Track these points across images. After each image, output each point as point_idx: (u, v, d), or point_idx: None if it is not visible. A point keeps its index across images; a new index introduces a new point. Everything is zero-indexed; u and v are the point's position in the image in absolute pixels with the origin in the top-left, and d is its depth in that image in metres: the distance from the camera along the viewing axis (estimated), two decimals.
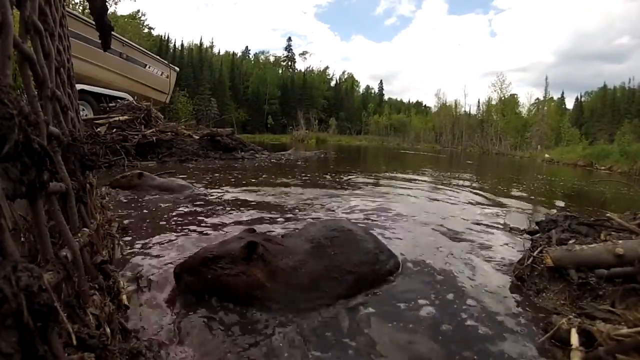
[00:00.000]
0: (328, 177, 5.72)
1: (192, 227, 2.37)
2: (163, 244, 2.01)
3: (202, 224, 2.46)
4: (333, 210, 3.17)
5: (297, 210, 3.07)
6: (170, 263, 1.70)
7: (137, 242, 2.01)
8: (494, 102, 46.74)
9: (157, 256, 1.83)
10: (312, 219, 2.75)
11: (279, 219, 2.75)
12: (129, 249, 1.90)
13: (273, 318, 1.31)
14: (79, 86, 4.14)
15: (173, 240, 2.09)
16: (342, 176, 5.89)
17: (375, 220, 2.83)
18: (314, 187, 4.46)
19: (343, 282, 1.52)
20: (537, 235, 2.40)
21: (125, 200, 3.05)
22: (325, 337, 1.25)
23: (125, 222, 2.33)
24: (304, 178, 5.35)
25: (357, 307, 1.46)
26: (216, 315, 1.31)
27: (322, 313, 1.38)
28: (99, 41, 1.72)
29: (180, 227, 2.34)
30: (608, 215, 2.18)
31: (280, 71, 59.09)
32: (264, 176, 5.29)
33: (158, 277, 1.59)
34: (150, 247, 1.94)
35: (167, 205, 2.98)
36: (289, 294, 1.38)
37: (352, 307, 1.46)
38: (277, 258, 1.44)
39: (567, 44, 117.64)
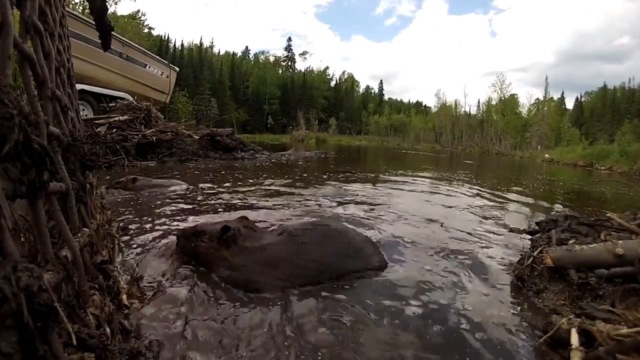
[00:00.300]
0: (328, 176, 5.72)
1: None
2: (160, 239, 2.02)
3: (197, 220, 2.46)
4: (330, 208, 3.17)
5: (292, 209, 3.07)
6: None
7: (135, 241, 2.01)
8: (494, 102, 46.74)
9: (156, 249, 1.84)
10: (307, 213, 2.75)
11: (273, 215, 2.76)
12: (129, 249, 1.90)
13: (227, 286, 1.54)
14: (79, 86, 4.14)
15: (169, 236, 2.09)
16: (341, 175, 5.89)
17: (371, 218, 2.83)
18: (313, 186, 4.45)
19: (305, 269, 1.60)
20: (537, 235, 2.40)
21: (122, 200, 3.05)
22: (257, 309, 1.36)
23: (121, 221, 2.35)
24: (303, 177, 5.35)
25: (315, 294, 1.49)
26: (186, 273, 1.64)
27: (271, 291, 1.49)
28: (99, 41, 1.72)
29: (176, 224, 2.34)
30: (608, 215, 2.18)
31: (280, 71, 59.05)
32: (263, 175, 5.28)
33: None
34: (149, 244, 1.94)
35: (164, 205, 2.98)
36: (248, 268, 1.57)
37: (307, 291, 1.51)
38: (246, 241, 1.69)
39: (568, 44, 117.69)
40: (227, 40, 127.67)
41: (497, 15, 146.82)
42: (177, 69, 12.89)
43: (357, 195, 4.02)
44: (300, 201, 3.47)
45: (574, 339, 1.16)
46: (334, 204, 3.43)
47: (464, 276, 1.81)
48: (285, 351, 1.13)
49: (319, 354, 1.13)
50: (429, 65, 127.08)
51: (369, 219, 2.83)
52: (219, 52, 55.55)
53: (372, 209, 3.24)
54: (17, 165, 0.46)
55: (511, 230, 2.81)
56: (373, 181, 5.58)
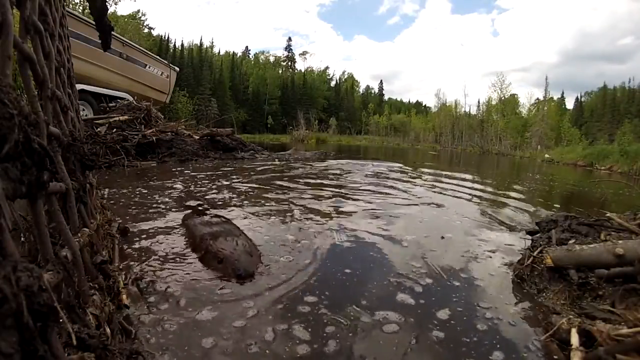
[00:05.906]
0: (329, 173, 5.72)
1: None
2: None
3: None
4: (334, 205, 3.17)
5: (291, 208, 3.07)
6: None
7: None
8: (494, 102, 46.70)
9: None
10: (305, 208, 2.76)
11: (270, 212, 2.78)
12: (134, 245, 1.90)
13: None
14: (79, 86, 4.13)
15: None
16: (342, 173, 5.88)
17: (369, 217, 2.83)
18: (312, 184, 4.45)
19: None
20: (537, 235, 2.40)
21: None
22: None
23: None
24: (302, 177, 5.35)
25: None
26: None
27: None
28: (99, 41, 1.72)
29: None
30: (608, 215, 2.18)
31: (280, 71, 59.03)
32: (265, 176, 5.29)
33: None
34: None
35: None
36: None
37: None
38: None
39: (571, 44, 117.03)
40: (227, 40, 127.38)
41: (500, 15, 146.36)
42: (177, 69, 12.87)
43: (356, 192, 4.01)
44: (295, 198, 3.47)
45: (574, 339, 1.16)
46: (333, 201, 3.43)
47: (463, 275, 1.81)
48: None
49: None
50: (431, 65, 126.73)
51: (364, 217, 2.83)
52: (219, 52, 55.47)
53: (368, 207, 3.24)
54: (17, 165, 0.46)
55: (511, 230, 2.81)
56: (371, 180, 5.57)
